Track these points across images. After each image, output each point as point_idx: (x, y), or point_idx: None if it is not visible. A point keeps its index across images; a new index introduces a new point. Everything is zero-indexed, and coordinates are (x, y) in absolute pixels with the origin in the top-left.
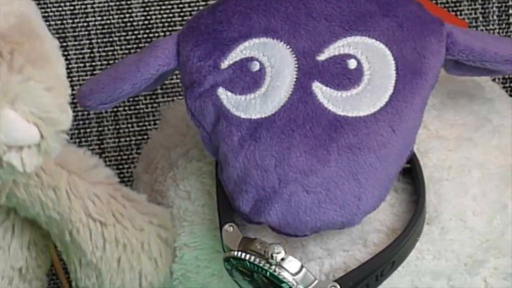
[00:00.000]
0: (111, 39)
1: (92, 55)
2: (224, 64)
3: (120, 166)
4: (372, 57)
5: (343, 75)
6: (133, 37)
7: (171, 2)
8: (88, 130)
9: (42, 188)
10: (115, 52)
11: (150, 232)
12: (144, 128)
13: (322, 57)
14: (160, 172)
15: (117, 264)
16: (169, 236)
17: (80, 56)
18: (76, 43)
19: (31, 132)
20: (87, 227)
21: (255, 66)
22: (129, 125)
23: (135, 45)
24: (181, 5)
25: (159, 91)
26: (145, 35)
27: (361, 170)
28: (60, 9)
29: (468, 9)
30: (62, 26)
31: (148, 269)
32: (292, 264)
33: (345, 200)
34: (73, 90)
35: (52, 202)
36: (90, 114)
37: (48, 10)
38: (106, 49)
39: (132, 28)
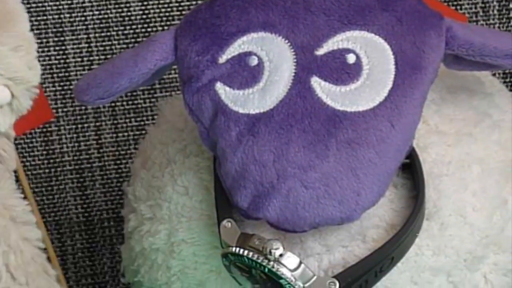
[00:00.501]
0: (108, 34)
1: (89, 49)
2: (222, 59)
3: (118, 161)
4: (371, 52)
5: (342, 70)
6: (131, 31)
7: None
8: (85, 125)
9: None
10: (113, 47)
11: None
12: (142, 123)
13: (320, 51)
14: (158, 167)
15: None
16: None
17: (78, 50)
18: (73, 37)
19: (2, 93)
20: None
21: (253, 61)
22: (127, 120)
23: (133, 40)
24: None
25: (157, 86)
26: (143, 30)
27: (360, 165)
28: (57, 3)
29: (468, 4)
30: (60, 21)
31: None
32: (290, 260)
33: (344, 196)
34: (71, 85)
35: None
36: (88, 109)
37: (46, 4)
38: (103, 43)
39: (130, 22)
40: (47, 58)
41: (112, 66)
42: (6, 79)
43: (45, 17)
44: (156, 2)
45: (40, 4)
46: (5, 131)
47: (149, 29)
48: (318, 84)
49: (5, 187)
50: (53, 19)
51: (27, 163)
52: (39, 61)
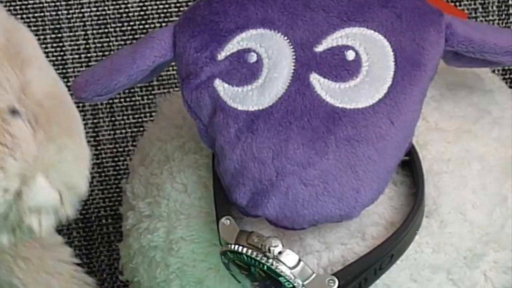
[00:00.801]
0: (106, 30)
1: (87, 46)
2: (221, 56)
3: (116, 159)
4: (371, 49)
5: (341, 67)
6: (129, 28)
7: None
8: (83, 122)
9: (14, 256)
10: (111, 44)
11: None
12: (140, 120)
13: (320, 48)
14: (156, 164)
15: None
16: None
17: (75, 47)
18: (71, 34)
19: (54, 197)
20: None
21: (252, 58)
22: (125, 117)
23: (130, 36)
24: None
25: (155, 82)
26: (141, 26)
27: (359, 162)
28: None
29: (467, 0)
30: (57, 17)
31: None
32: (289, 257)
33: (343, 193)
34: (68, 82)
35: (20, 271)
36: (85, 106)
37: (43, 0)
38: (101, 40)
39: (128, 19)
40: (44, 54)
41: (110, 63)
42: (61, 184)
43: (42, 14)
44: None
45: (37, 1)
46: (45, 235)
47: (147, 26)
48: (317, 81)
49: None
50: (51, 15)
51: None
52: None
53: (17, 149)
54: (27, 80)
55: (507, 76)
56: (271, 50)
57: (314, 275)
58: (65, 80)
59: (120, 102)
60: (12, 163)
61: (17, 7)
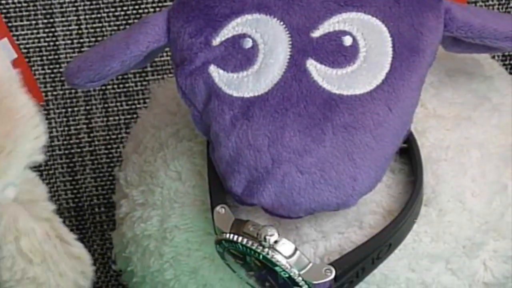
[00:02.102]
0: (99, 15)
1: (80, 31)
2: (216, 41)
3: (109, 146)
4: (368, 34)
5: (338, 52)
6: (122, 13)
7: None
8: (75, 109)
9: None
10: (104, 29)
11: (70, 279)
12: (133, 106)
13: (316, 33)
14: (150, 152)
15: None
16: (85, 285)
17: (68, 32)
18: (63, 19)
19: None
20: (12, 259)
21: (248, 43)
22: (118, 104)
23: (124, 22)
24: None
25: (149, 68)
26: (134, 11)
27: (356, 150)
28: None
29: None
30: (49, 2)
31: None
32: (285, 247)
33: (340, 181)
34: (60, 68)
35: None
36: (78, 92)
37: None
38: (94, 25)
39: (121, 4)
40: (36, 40)
41: (104, 48)
42: None
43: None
44: None
45: None
46: None
47: (140, 11)
48: (314, 67)
49: None
50: (43, 0)
51: None
52: (27, 43)
53: None
54: None
55: (507, 62)
56: (267, 35)
57: (310, 264)
58: (57, 65)
59: (113, 88)
60: None
61: None
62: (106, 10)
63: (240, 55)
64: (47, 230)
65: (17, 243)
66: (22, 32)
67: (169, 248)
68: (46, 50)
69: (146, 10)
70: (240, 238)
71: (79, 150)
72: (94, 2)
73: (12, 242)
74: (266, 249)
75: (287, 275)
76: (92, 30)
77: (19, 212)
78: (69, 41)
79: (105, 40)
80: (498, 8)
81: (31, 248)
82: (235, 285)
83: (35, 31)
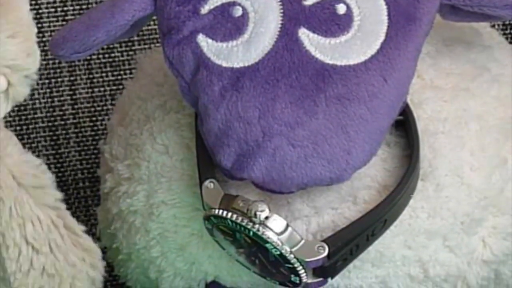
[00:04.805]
0: None
1: (63, 0)
2: (204, 9)
3: (94, 118)
4: (363, 2)
5: (332, 21)
6: None
7: None
8: (59, 79)
9: None
10: None
11: (81, 270)
12: (119, 77)
13: (309, 1)
14: (136, 124)
15: None
16: (96, 276)
17: (51, 1)
18: None
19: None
20: (17, 248)
21: (237, 11)
22: (103, 75)
23: None
24: None
25: (135, 38)
26: None
27: (350, 122)
28: None
29: None
30: None
31: None
32: (276, 223)
33: (333, 155)
34: (43, 37)
35: None
36: (62, 63)
37: None
38: None
39: None
40: None
41: (89, 18)
42: (3, 66)
43: None
44: None
45: None
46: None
47: None
48: (306, 36)
49: (13, 153)
50: None
51: None
52: None
53: None
54: None
55: (507, 31)
56: (257, 3)
57: (302, 241)
58: (40, 35)
59: (98, 58)
60: None
61: None
62: None
63: (229, 24)
64: (53, 219)
65: (21, 230)
66: None
67: (156, 224)
68: None
69: None
70: (229, 214)
71: (62, 122)
72: None
73: (16, 229)
74: (257, 225)
75: (278, 253)
76: None
77: (23, 197)
78: (52, 10)
79: (90, 9)
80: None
81: (36, 236)
82: (224, 263)
83: None
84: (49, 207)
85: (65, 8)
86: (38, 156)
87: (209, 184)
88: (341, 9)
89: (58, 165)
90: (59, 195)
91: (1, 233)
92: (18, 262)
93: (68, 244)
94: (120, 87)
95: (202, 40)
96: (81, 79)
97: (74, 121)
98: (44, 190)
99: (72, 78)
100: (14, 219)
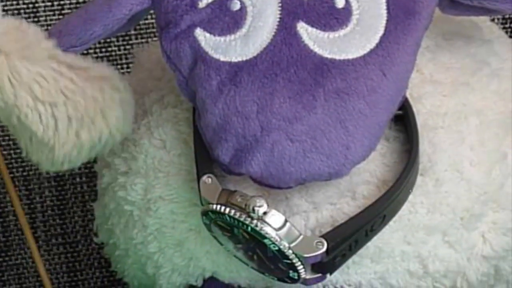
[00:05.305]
0: None
1: None
2: (202, 3)
3: None
4: None
5: (330, 15)
6: None
7: None
8: None
9: None
10: None
11: (104, 99)
12: (116, 71)
13: None
14: (133, 119)
15: (75, 137)
16: (122, 97)
17: None
18: None
19: None
20: (35, 110)
21: (236, 5)
22: None
23: None
24: None
25: (132, 32)
26: None
27: (349, 117)
28: None
29: None
30: None
31: (106, 135)
32: (275, 218)
33: (332, 149)
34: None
35: None
36: None
37: None
38: None
39: None
40: (15, 2)
41: (85, 12)
42: None
43: None
44: None
45: None
46: None
47: None
48: (304, 30)
49: None
50: None
51: None
52: (6, 5)
53: None
54: None
55: (507, 25)
56: None
57: (301, 237)
58: None
59: (95, 53)
60: None
61: None
62: None
63: (227, 18)
64: (55, 68)
65: (30, 94)
66: None
67: (153, 219)
68: (25, 13)
69: None
70: (227, 209)
71: None
72: None
73: (25, 95)
74: (255, 221)
75: (276, 248)
76: None
77: (15, 64)
78: (49, 3)
79: (87, 3)
80: None
81: (46, 92)
82: (222, 258)
83: None
84: (45, 60)
85: (62, 2)
86: None
87: (207, 179)
88: (339, 3)
89: None
90: (51, 42)
91: (13, 105)
92: (42, 122)
93: (80, 83)
94: None
95: (200, 34)
96: None
97: None
98: (33, 46)
99: None
100: (18, 87)
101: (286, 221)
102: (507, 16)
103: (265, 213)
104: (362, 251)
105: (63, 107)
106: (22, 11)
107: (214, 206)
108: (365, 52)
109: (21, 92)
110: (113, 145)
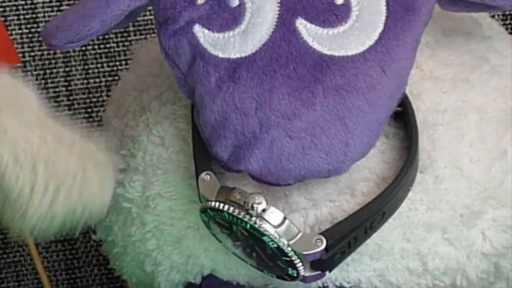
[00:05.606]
0: None
1: None
2: None
3: (89, 109)
4: None
5: (330, 11)
6: None
7: None
8: (54, 70)
9: None
10: None
11: (84, 178)
12: (115, 68)
13: None
14: (132, 116)
15: (48, 208)
16: (105, 174)
17: None
18: None
19: None
20: (14, 172)
21: (234, 2)
22: (99, 65)
23: None
24: None
25: (131, 28)
26: None
27: (348, 113)
28: None
29: None
30: None
31: (80, 210)
32: (274, 215)
33: (331, 146)
34: (38, 27)
35: None
36: (57, 53)
37: None
38: None
39: None
40: None
41: (83, 7)
42: None
43: None
44: None
45: None
46: None
47: None
48: (303, 27)
49: None
50: None
51: None
52: (4, 1)
53: None
54: None
55: (507, 22)
56: None
57: (300, 234)
58: (35, 25)
59: (93, 49)
60: None
61: None
62: None
63: (226, 14)
64: (40, 136)
65: (14, 158)
66: None
67: (152, 217)
68: (23, 9)
69: None
70: (226, 206)
71: (58, 113)
72: None
73: (9, 158)
74: (254, 218)
75: (275, 245)
76: None
77: (5, 122)
78: None
79: None
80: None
81: (29, 159)
82: (221, 256)
83: None
84: (34, 125)
85: None
86: None
87: (205, 176)
88: None
89: None
90: (40, 103)
91: None
92: (17, 186)
93: (63, 156)
94: (116, 78)
95: (199, 30)
96: (76, 70)
97: (69, 112)
98: (25, 108)
99: (67, 69)
100: (2, 148)
101: (285, 218)
102: (507, 13)
103: (264, 210)
104: (361, 248)
105: (42, 176)
106: (20, 7)
107: (213, 203)
108: (364, 48)
109: (3, 149)
110: (89, 219)
